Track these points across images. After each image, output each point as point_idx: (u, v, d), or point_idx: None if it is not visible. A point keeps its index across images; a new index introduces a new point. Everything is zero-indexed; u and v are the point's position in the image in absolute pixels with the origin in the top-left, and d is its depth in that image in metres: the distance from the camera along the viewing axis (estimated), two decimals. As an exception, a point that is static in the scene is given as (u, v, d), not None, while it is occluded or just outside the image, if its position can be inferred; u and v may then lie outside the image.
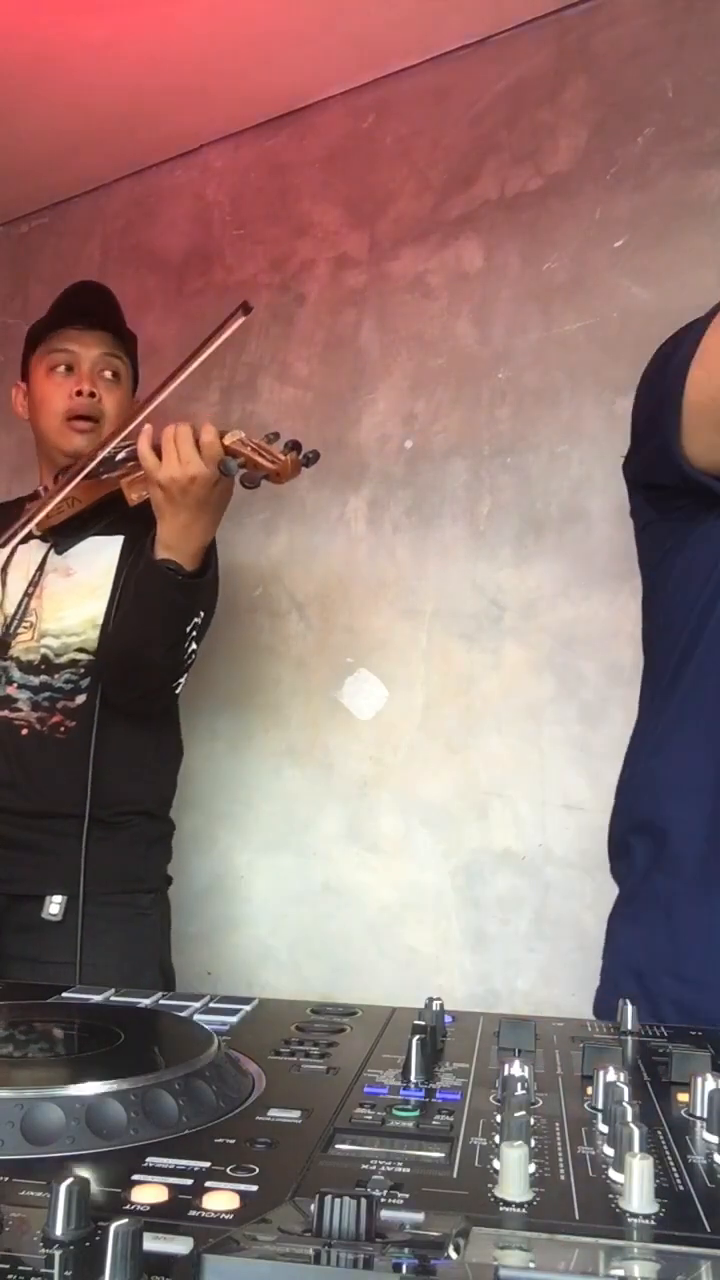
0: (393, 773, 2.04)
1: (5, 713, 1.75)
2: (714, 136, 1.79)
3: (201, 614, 1.68)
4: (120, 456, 1.68)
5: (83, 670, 1.74)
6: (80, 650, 1.75)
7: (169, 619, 1.64)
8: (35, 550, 1.82)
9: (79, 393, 1.80)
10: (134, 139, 2.46)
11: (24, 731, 1.74)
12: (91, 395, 1.80)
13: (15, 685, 1.75)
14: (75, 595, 1.78)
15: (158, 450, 1.53)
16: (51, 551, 1.82)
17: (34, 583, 1.79)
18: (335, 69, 2.21)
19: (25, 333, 1.95)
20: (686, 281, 1.78)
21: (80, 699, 1.73)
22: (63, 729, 1.74)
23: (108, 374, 1.84)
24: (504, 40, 2.07)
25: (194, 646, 1.71)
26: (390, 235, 2.20)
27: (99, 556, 1.80)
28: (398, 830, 2.04)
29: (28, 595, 1.79)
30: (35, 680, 1.75)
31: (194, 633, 1.68)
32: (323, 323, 2.27)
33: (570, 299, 1.93)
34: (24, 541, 1.80)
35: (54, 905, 1.70)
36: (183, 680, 1.76)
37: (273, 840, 2.22)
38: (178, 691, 1.77)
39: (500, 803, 1.90)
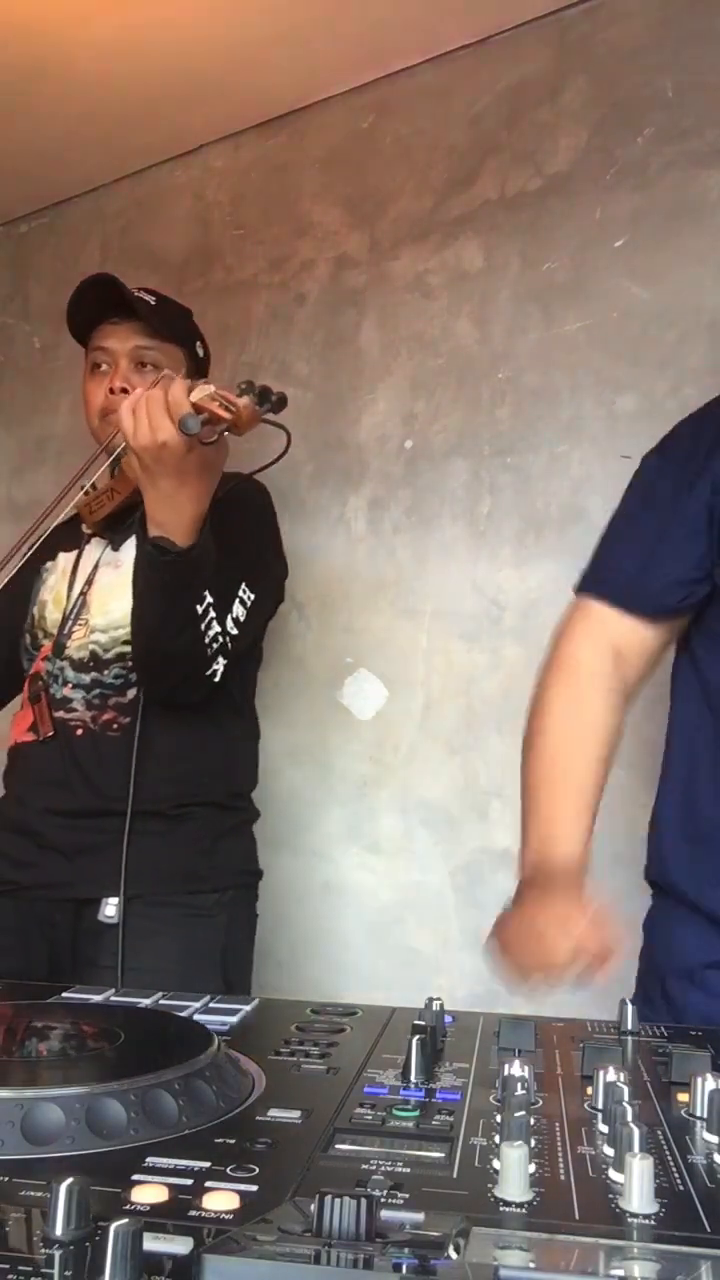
0: (393, 773, 2.04)
1: (61, 714, 1.73)
2: (714, 136, 1.79)
3: (212, 597, 1.58)
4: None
5: (130, 664, 1.72)
6: (127, 643, 1.70)
7: (165, 599, 1.57)
8: (95, 549, 1.81)
9: (111, 390, 1.79)
10: (134, 139, 2.46)
11: (79, 732, 1.71)
12: (124, 391, 1.76)
13: (70, 685, 1.74)
14: (122, 588, 1.74)
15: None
16: (108, 548, 1.81)
17: (89, 581, 1.78)
18: (335, 69, 2.21)
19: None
20: (686, 281, 1.78)
21: (131, 693, 1.70)
22: (115, 725, 1.71)
23: (145, 365, 1.81)
24: (504, 40, 2.07)
25: (218, 629, 1.61)
26: (390, 235, 2.20)
27: None
28: (398, 830, 2.04)
29: (82, 594, 1.78)
30: (86, 678, 1.73)
31: (210, 613, 1.60)
32: (323, 323, 2.27)
33: (570, 299, 1.93)
34: (87, 543, 1.80)
35: (109, 907, 1.67)
36: (218, 667, 1.65)
37: (274, 840, 2.22)
38: (215, 679, 1.66)
39: (500, 803, 1.90)
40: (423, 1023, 0.74)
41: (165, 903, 1.67)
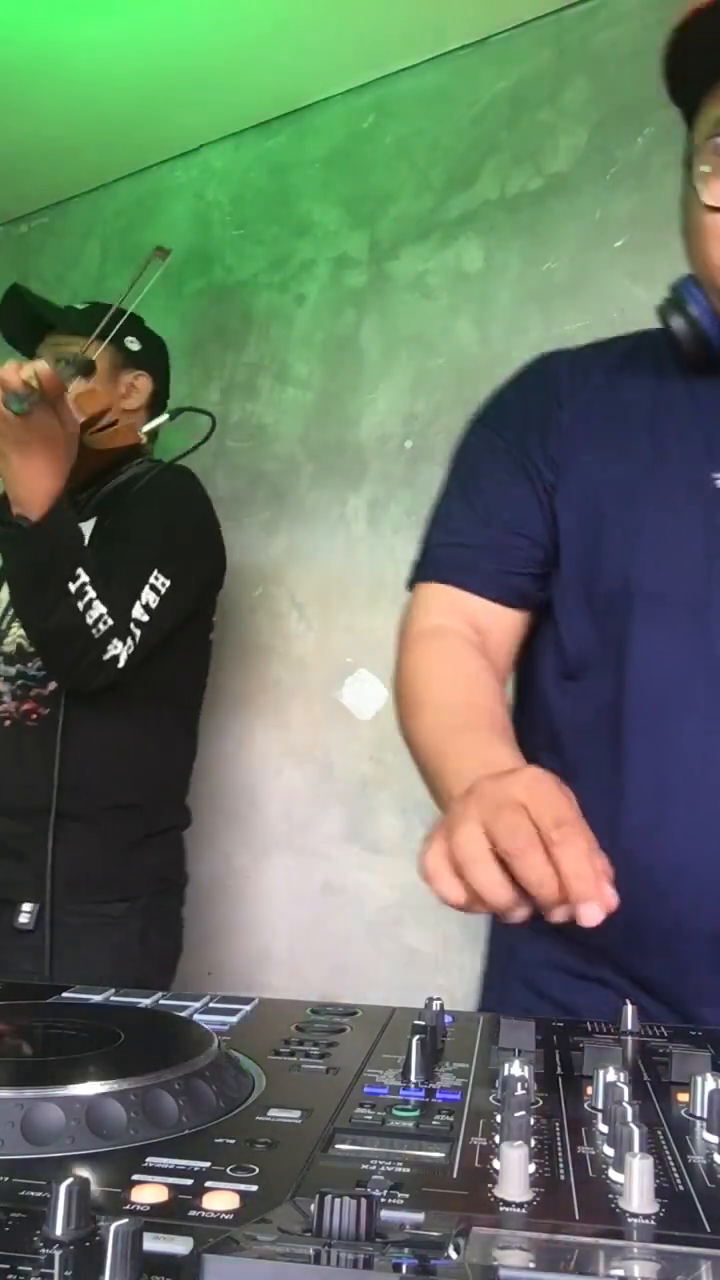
0: (393, 773, 2.04)
1: None
2: (714, 136, 1.78)
3: (85, 574, 1.56)
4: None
5: None
6: None
7: (33, 580, 1.55)
8: None
9: None
10: (134, 139, 2.46)
11: (7, 723, 1.72)
12: None
13: (1, 680, 1.75)
14: None
15: None
16: None
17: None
18: (335, 69, 2.21)
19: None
20: (686, 281, 1.78)
21: (52, 685, 1.70)
22: (34, 716, 1.71)
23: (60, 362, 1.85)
24: (504, 40, 2.07)
25: (102, 610, 1.57)
26: (390, 235, 2.20)
27: None
28: (398, 830, 2.04)
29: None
30: (12, 670, 1.74)
31: (91, 594, 1.56)
32: (323, 323, 2.27)
33: (570, 299, 1.93)
34: None
35: (23, 914, 1.66)
36: (116, 651, 1.61)
37: (273, 840, 2.22)
38: (118, 665, 1.62)
39: (500, 803, 1.90)
40: (423, 1023, 0.74)
41: (76, 910, 1.66)
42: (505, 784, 0.78)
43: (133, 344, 1.92)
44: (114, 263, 2.62)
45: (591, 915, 0.71)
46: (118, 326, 1.76)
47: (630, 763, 1.02)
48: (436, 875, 0.76)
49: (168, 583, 1.68)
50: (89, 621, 1.57)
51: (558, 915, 0.73)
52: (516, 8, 2.01)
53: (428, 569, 1.17)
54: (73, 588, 1.55)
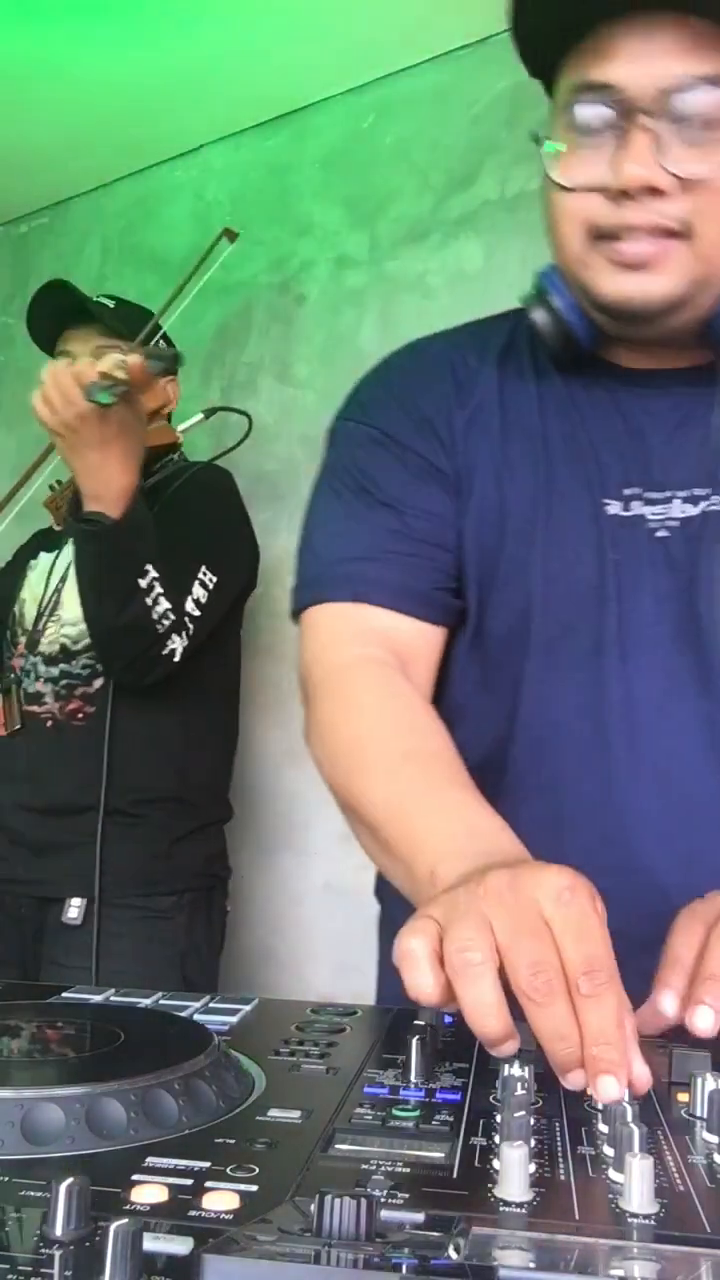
0: (393, 773, 2.04)
1: (33, 708, 1.75)
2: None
3: (154, 570, 1.58)
4: None
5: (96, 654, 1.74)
6: None
7: (103, 572, 1.58)
8: (71, 547, 1.84)
9: None
10: (134, 139, 2.46)
11: (49, 724, 1.73)
12: None
13: (42, 680, 1.76)
14: None
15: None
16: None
17: (64, 578, 1.80)
18: (335, 69, 2.21)
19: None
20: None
21: (98, 683, 1.72)
22: (80, 715, 1.72)
23: None
24: (504, 40, 2.06)
25: (166, 605, 1.60)
26: (390, 235, 2.20)
27: None
28: (398, 830, 2.04)
29: (58, 591, 1.80)
30: (55, 670, 1.75)
31: (156, 587, 1.58)
32: (323, 323, 2.27)
33: (570, 299, 1.93)
34: (68, 542, 1.83)
35: (72, 909, 1.67)
36: (174, 646, 1.64)
37: (273, 840, 2.22)
38: (174, 659, 1.65)
39: (500, 803, 1.90)
40: (423, 1023, 0.74)
41: (122, 904, 1.68)
42: (529, 888, 0.63)
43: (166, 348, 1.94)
44: (114, 263, 2.62)
45: (610, 1092, 0.57)
46: (163, 328, 1.76)
47: (519, 816, 0.85)
48: (414, 964, 0.62)
49: (215, 579, 1.70)
50: (155, 617, 1.60)
51: (572, 1081, 0.59)
52: (516, 8, 2.01)
53: (325, 588, 0.99)
54: (143, 584, 1.58)
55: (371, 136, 2.25)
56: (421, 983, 0.62)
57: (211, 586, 1.69)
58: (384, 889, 1.11)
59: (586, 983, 0.59)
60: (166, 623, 1.62)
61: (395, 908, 1.08)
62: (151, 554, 1.59)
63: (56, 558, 1.85)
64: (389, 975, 1.09)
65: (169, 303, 1.67)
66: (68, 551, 1.83)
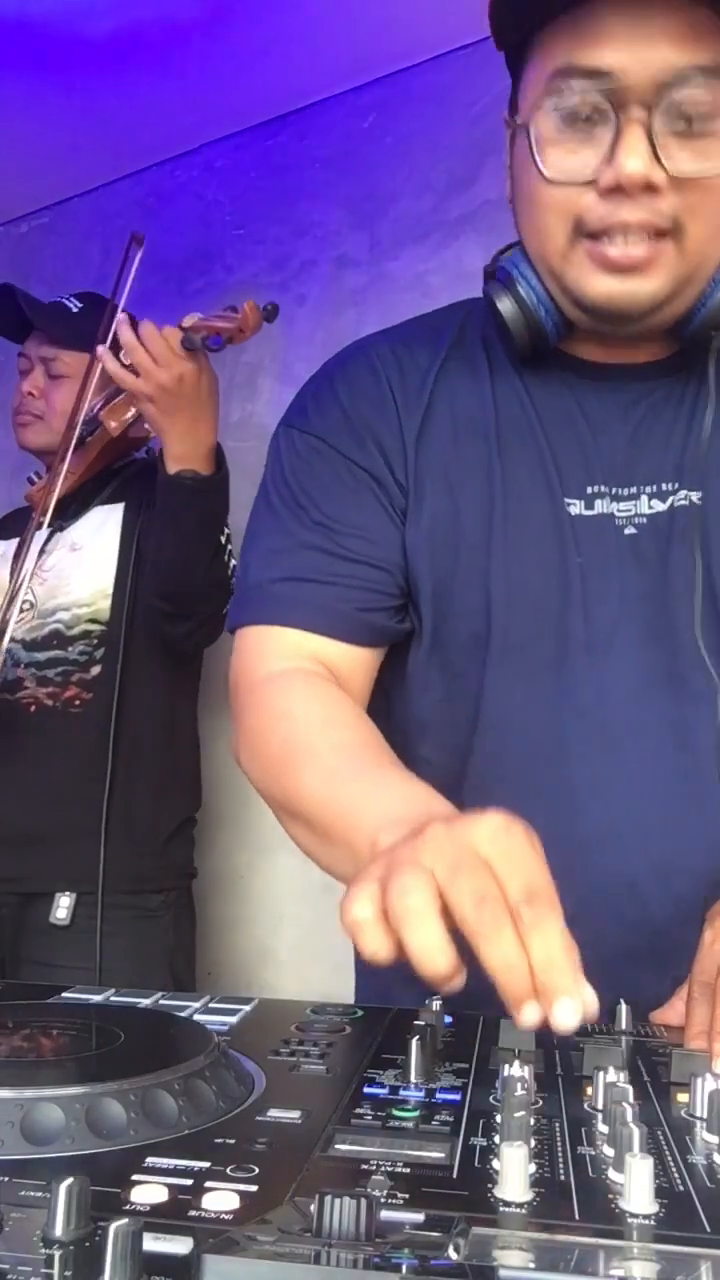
0: (393, 773, 2.04)
1: (12, 695, 1.74)
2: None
3: (228, 528, 1.66)
4: (97, 409, 1.74)
5: (96, 641, 1.73)
6: (92, 621, 1.74)
7: (201, 528, 1.63)
8: (39, 535, 1.84)
9: (23, 393, 1.90)
10: (134, 139, 2.46)
11: (31, 709, 1.72)
12: (30, 395, 1.88)
13: (22, 665, 1.75)
14: (83, 568, 1.78)
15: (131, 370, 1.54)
16: (57, 532, 1.83)
17: (35, 567, 1.80)
18: (335, 69, 2.21)
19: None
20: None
21: (96, 670, 1.72)
22: (78, 702, 1.71)
23: (50, 372, 1.88)
24: (504, 40, 2.07)
25: (234, 563, 1.67)
26: (390, 235, 2.20)
27: (104, 526, 1.82)
28: (398, 830, 2.04)
29: (30, 576, 1.80)
30: (42, 656, 1.74)
31: (229, 545, 1.66)
32: (323, 323, 2.27)
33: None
34: (37, 529, 1.83)
35: (61, 909, 1.66)
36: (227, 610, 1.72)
37: (273, 840, 2.22)
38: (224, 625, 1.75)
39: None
40: (423, 1023, 0.74)
41: (114, 903, 1.66)
42: (464, 831, 0.62)
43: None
44: (114, 263, 2.62)
45: (567, 1016, 0.55)
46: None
47: None
48: (362, 928, 0.61)
49: (233, 544, 1.72)
50: (229, 573, 1.67)
51: (526, 1017, 0.56)
52: (516, 8, 2.01)
53: (261, 609, 0.96)
54: (223, 540, 1.65)
55: (371, 136, 2.25)
56: (373, 946, 0.61)
57: (230, 534, 1.72)
58: None
59: (528, 911, 0.58)
60: (232, 580, 1.67)
61: None
62: (226, 513, 1.66)
63: (21, 545, 1.85)
64: (364, 976, 1.10)
65: (105, 320, 1.68)
66: (35, 539, 1.83)
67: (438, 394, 0.98)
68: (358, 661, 0.96)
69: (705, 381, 0.93)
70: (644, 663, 0.92)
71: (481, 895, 0.58)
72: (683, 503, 0.93)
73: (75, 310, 1.90)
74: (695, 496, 0.93)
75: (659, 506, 0.93)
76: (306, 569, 0.95)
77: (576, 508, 0.94)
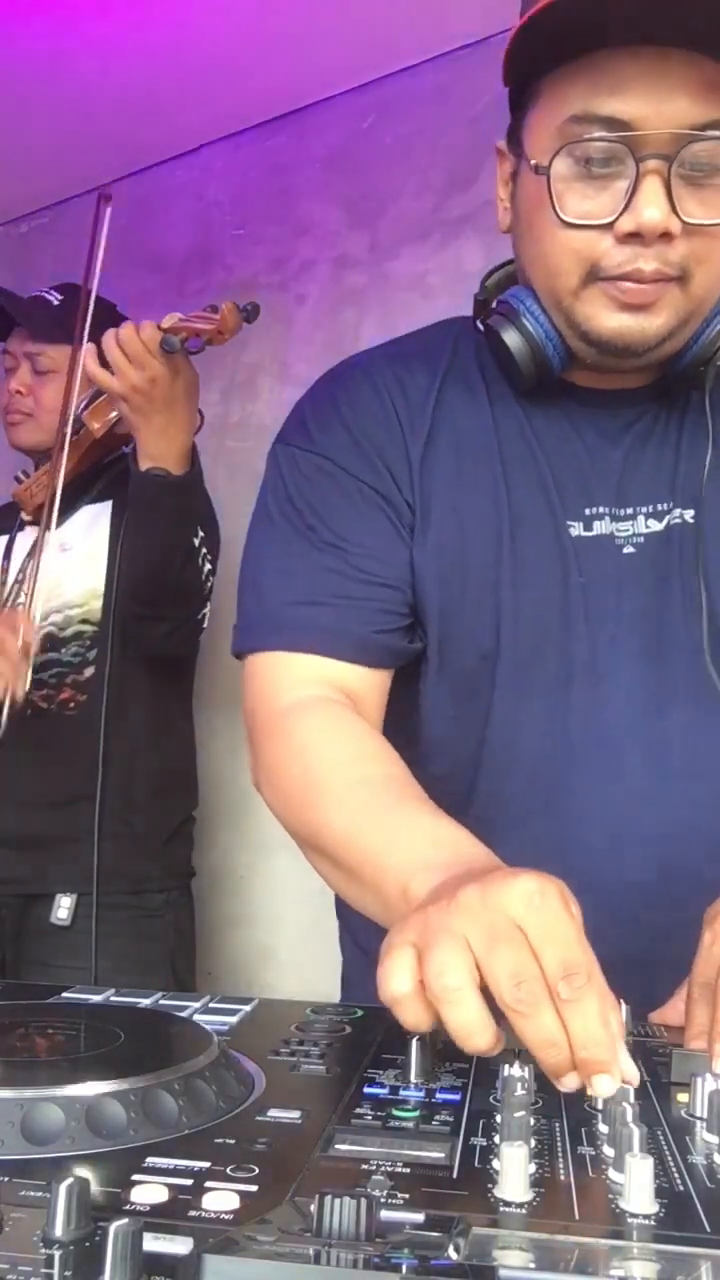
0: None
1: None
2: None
3: (202, 531, 1.63)
4: (83, 407, 1.73)
5: (89, 642, 1.73)
6: (84, 621, 1.74)
7: (174, 527, 1.60)
8: (27, 535, 1.83)
9: (10, 391, 1.89)
10: (134, 139, 2.46)
11: (27, 712, 1.72)
12: (19, 393, 1.87)
13: None
14: (74, 568, 1.78)
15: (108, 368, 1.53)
16: (46, 533, 1.83)
17: (22, 569, 1.80)
18: (335, 69, 2.21)
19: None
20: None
21: (89, 671, 1.71)
22: (73, 704, 1.71)
23: (36, 368, 1.87)
24: (504, 40, 2.07)
25: (209, 567, 1.66)
26: (390, 235, 2.20)
27: (93, 525, 1.81)
28: (398, 830, 2.04)
29: (18, 581, 1.79)
30: (37, 659, 1.74)
31: (203, 549, 1.64)
32: (323, 323, 2.27)
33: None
34: (20, 529, 1.83)
35: (62, 909, 1.66)
36: (206, 611, 1.70)
37: (272, 840, 2.22)
38: (204, 625, 1.72)
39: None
40: (423, 1023, 0.74)
41: (115, 904, 1.66)
42: (499, 895, 0.62)
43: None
44: (114, 263, 2.61)
45: (605, 1087, 0.58)
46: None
47: (496, 847, 0.84)
48: (401, 1003, 0.62)
49: (206, 547, 1.70)
50: (203, 577, 1.65)
51: (566, 1085, 0.59)
52: (517, 7, 2.01)
53: (278, 635, 0.95)
54: (196, 543, 1.62)
55: (371, 136, 2.25)
56: (413, 1020, 0.63)
57: (207, 539, 1.70)
58: (342, 906, 1.12)
59: (566, 988, 0.59)
60: (208, 586, 1.66)
61: (354, 924, 1.11)
62: (202, 515, 1.64)
63: (9, 545, 1.85)
64: (352, 989, 1.13)
65: (86, 278, 1.68)
66: (23, 540, 1.82)
67: (440, 416, 0.99)
68: (373, 683, 0.96)
69: (690, 404, 0.97)
70: (642, 678, 0.95)
71: (519, 975, 0.59)
72: (677, 521, 0.96)
73: (56, 303, 1.88)
74: (689, 515, 0.96)
75: (655, 526, 0.96)
76: (321, 592, 0.95)
77: (577, 529, 0.96)
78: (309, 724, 0.91)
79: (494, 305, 0.97)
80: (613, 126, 0.83)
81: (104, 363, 1.52)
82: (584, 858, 0.92)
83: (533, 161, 0.89)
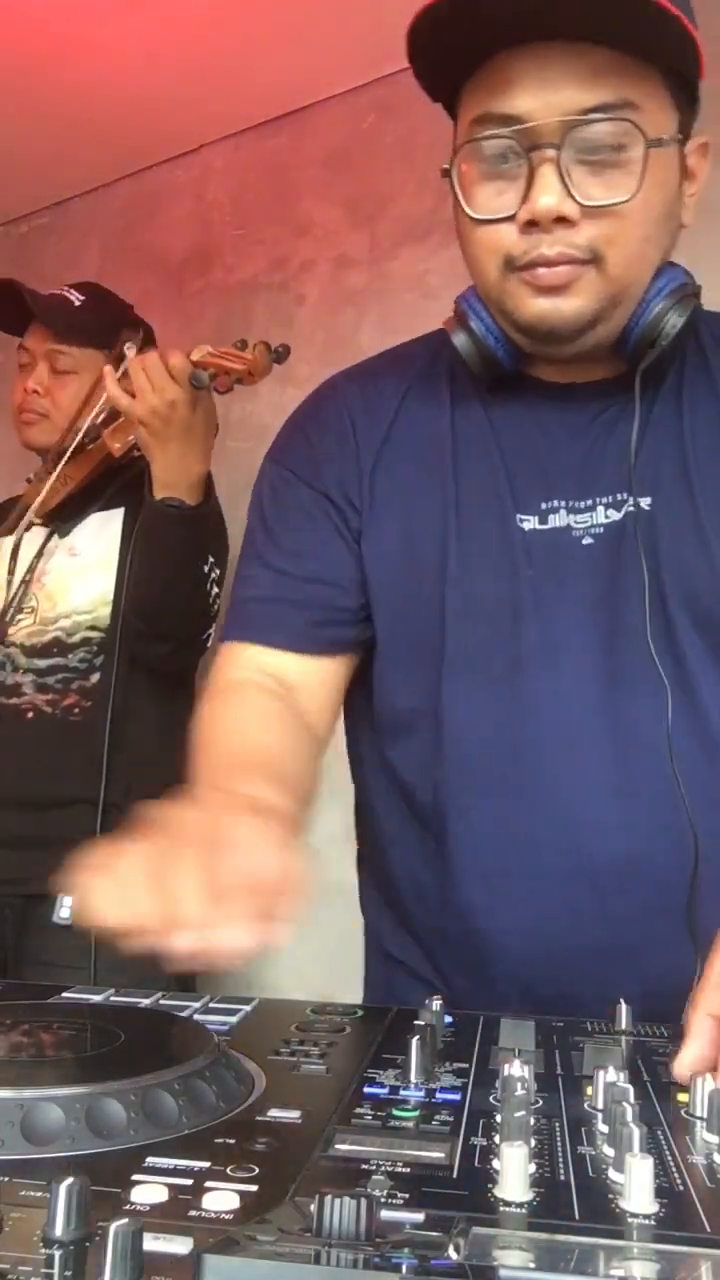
0: (393, 773, 2.04)
1: (10, 700, 1.74)
2: (714, 133, 1.79)
3: (213, 558, 1.65)
4: (100, 419, 1.74)
5: (96, 649, 1.73)
6: (92, 628, 1.74)
7: (183, 557, 1.61)
8: (36, 536, 1.83)
9: (26, 390, 1.87)
10: (134, 139, 2.46)
11: (29, 715, 1.72)
12: (35, 392, 1.86)
13: (21, 671, 1.74)
14: (83, 574, 1.78)
15: (130, 392, 1.54)
16: (55, 535, 1.82)
17: (31, 569, 1.79)
18: (335, 69, 2.21)
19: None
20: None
21: (95, 678, 1.71)
22: (77, 710, 1.71)
23: (55, 368, 1.86)
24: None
25: (216, 590, 1.67)
26: (390, 235, 2.20)
27: (103, 532, 1.81)
28: (398, 830, 2.04)
29: (25, 582, 1.79)
30: (43, 663, 1.74)
31: (212, 574, 1.65)
32: (323, 323, 2.27)
33: (570, 299, 1.93)
34: (28, 529, 1.83)
35: (64, 909, 1.66)
36: (211, 631, 1.72)
37: (273, 840, 2.21)
38: (207, 645, 1.73)
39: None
40: (423, 1023, 0.74)
41: None
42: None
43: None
44: (114, 263, 2.61)
45: None
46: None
47: (453, 839, 0.99)
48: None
49: (217, 571, 1.71)
50: (210, 600, 1.66)
51: None
52: (516, 8, 2.01)
53: (232, 627, 1.08)
54: (206, 569, 1.64)
55: (371, 136, 2.24)
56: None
57: (216, 565, 1.71)
58: (366, 904, 1.19)
59: None
60: (215, 609, 1.68)
61: (378, 922, 1.16)
62: (213, 542, 1.65)
63: (17, 546, 1.85)
64: (372, 991, 1.17)
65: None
66: (31, 541, 1.82)
67: (399, 422, 1.05)
68: (312, 670, 1.04)
69: (658, 396, 0.99)
70: (598, 667, 0.97)
71: None
72: (633, 509, 0.97)
73: (77, 304, 1.88)
74: (645, 503, 0.97)
75: (614, 515, 0.98)
76: (269, 590, 1.05)
77: (530, 523, 0.99)
78: (225, 701, 1.03)
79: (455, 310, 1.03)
80: (508, 123, 0.88)
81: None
82: (543, 847, 0.95)
83: (445, 167, 0.95)
